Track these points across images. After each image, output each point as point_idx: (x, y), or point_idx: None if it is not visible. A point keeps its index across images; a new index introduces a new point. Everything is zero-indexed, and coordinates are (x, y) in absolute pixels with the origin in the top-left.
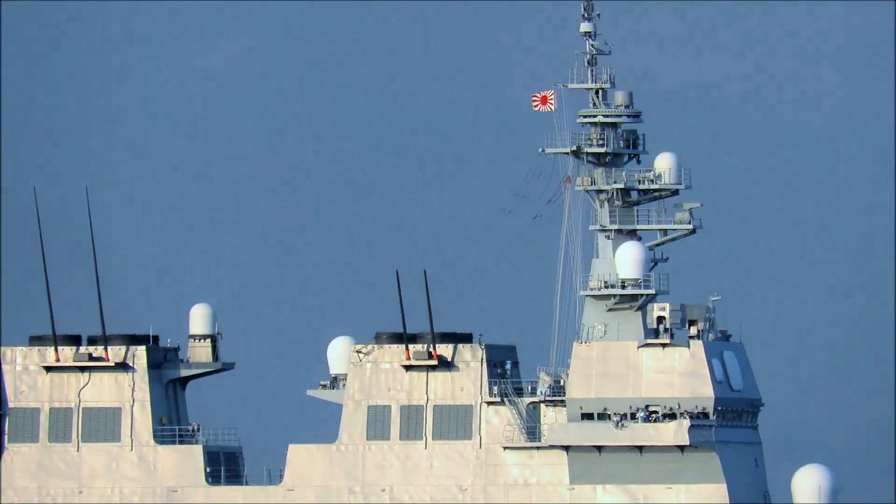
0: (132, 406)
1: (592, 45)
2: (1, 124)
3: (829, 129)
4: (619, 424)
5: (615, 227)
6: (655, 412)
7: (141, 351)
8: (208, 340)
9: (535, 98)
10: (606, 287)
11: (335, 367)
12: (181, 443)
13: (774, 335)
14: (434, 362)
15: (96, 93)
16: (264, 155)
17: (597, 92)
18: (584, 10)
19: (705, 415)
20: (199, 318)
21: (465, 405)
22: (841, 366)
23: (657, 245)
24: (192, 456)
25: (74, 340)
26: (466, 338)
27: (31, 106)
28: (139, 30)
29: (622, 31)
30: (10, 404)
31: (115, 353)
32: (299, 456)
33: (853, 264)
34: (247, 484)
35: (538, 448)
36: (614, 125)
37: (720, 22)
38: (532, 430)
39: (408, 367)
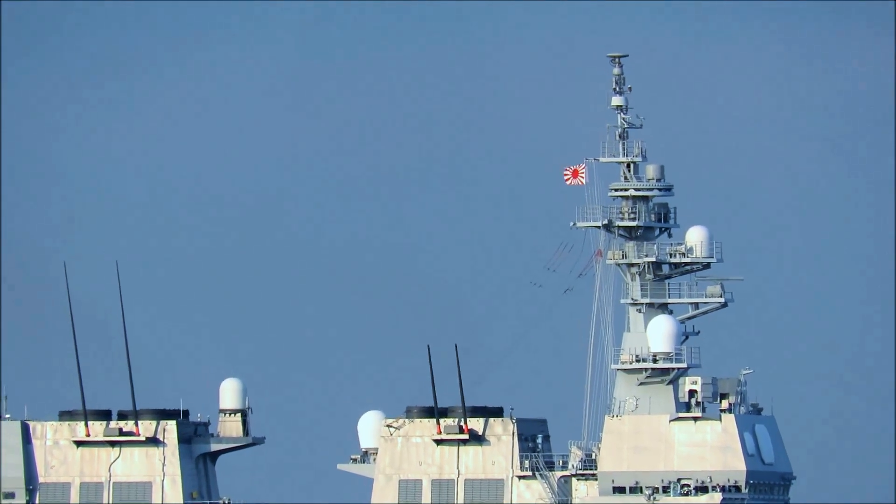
0: (163, 480)
1: (624, 119)
2: (29, 198)
3: (862, 203)
4: (652, 498)
5: (646, 300)
6: (687, 485)
7: (171, 425)
8: (238, 415)
9: (566, 171)
10: (638, 361)
11: (366, 442)
12: None
13: (806, 409)
14: (465, 436)
15: (120, 165)
16: (296, 228)
17: (628, 165)
18: (616, 83)
19: (737, 488)
20: (229, 393)
21: (496, 479)
22: (873, 441)
23: (688, 318)
24: None
25: (105, 415)
26: (497, 412)
27: (59, 180)
28: (159, 98)
29: (654, 104)
30: (41, 479)
31: (146, 427)
32: None
33: (886, 338)
34: None
35: None
36: (645, 198)
37: (750, 92)
38: None
39: (439, 442)
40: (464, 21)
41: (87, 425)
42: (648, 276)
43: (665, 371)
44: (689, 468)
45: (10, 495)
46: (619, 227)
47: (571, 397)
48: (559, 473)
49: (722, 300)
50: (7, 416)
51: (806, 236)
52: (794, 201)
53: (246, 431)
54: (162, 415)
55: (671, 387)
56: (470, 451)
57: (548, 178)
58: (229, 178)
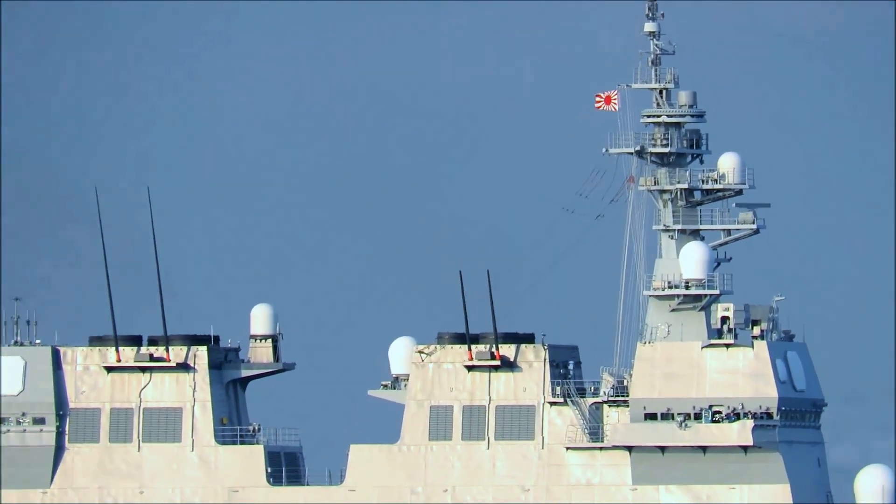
0: (193, 406)
1: (657, 45)
2: (61, 126)
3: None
4: (683, 425)
5: (678, 227)
6: (719, 412)
7: (202, 351)
8: (269, 341)
9: (598, 98)
10: (670, 287)
11: (396, 368)
12: (242, 443)
13: (838, 335)
14: (497, 363)
15: (158, 92)
16: (328, 156)
17: (661, 92)
18: (649, 9)
19: (769, 415)
20: (260, 319)
21: (527, 405)
22: None
23: (720, 245)
24: (254, 456)
25: (135, 341)
26: (529, 338)
27: (91, 107)
28: (200, 32)
29: (687, 30)
30: (71, 404)
31: (176, 353)
32: (361, 456)
33: None
34: (308, 484)
35: (601, 449)
36: (678, 125)
37: (783, 18)
38: (595, 431)
39: (470, 368)
40: None
41: (117, 351)
42: (680, 203)
43: (697, 297)
44: (720, 395)
45: (41, 421)
46: (651, 153)
47: (603, 324)
48: (590, 400)
49: (754, 227)
50: (37, 341)
51: (838, 162)
52: (826, 127)
53: (276, 357)
54: (192, 341)
55: (703, 313)
56: (501, 377)
57: (580, 104)
58: (261, 104)
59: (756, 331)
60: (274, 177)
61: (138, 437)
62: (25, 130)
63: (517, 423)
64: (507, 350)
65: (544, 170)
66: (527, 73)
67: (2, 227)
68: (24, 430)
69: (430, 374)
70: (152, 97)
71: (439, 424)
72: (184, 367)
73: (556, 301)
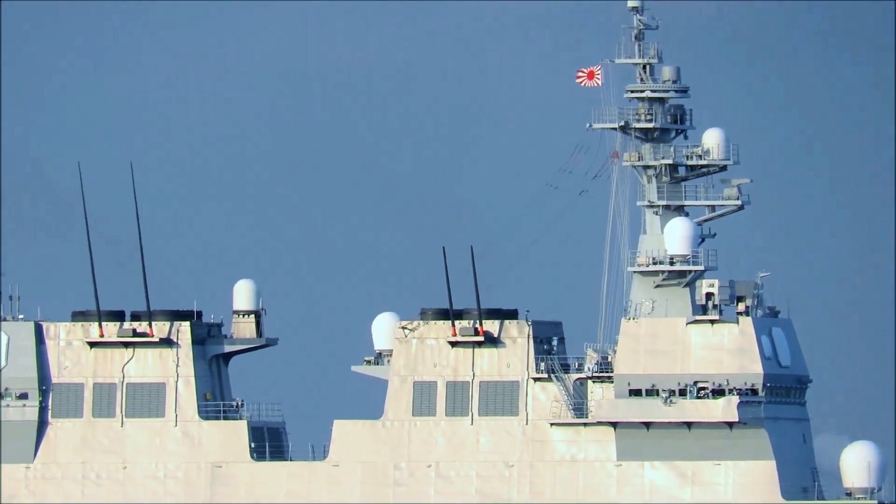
0: (176, 381)
1: (640, 20)
2: (43, 101)
3: (884, 103)
4: (668, 401)
5: (663, 202)
6: (704, 388)
7: (185, 326)
8: (252, 316)
9: (580, 73)
10: (654, 263)
11: (380, 343)
12: (225, 419)
13: (822, 311)
14: (480, 338)
15: (139, 68)
16: (309, 130)
17: (644, 67)
18: None
19: (754, 391)
20: (242, 294)
21: (511, 381)
22: (888, 343)
23: (705, 221)
24: (237, 431)
25: (118, 316)
26: (513, 314)
27: (71, 82)
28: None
29: (670, 5)
30: (54, 380)
31: (160, 328)
32: (345, 432)
33: None
34: (291, 460)
35: (585, 425)
36: (662, 100)
37: None
38: (579, 407)
39: (454, 344)
40: None
41: (100, 326)
42: (665, 179)
43: (682, 273)
44: (705, 371)
45: (24, 396)
46: (635, 128)
47: (587, 300)
48: (574, 376)
49: (738, 203)
50: (20, 316)
51: (823, 138)
52: (811, 103)
53: (259, 333)
54: (175, 316)
55: (688, 289)
56: (485, 353)
57: (564, 80)
58: (242, 78)
59: (741, 307)
60: (257, 152)
61: (121, 412)
62: (7, 106)
63: (501, 398)
64: (491, 326)
65: (528, 145)
66: (510, 48)
67: None
68: (7, 405)
69: (413, 349)
70: (133, 71)
71: (423, 400)
72: (167, 342)
73: (540, 277)
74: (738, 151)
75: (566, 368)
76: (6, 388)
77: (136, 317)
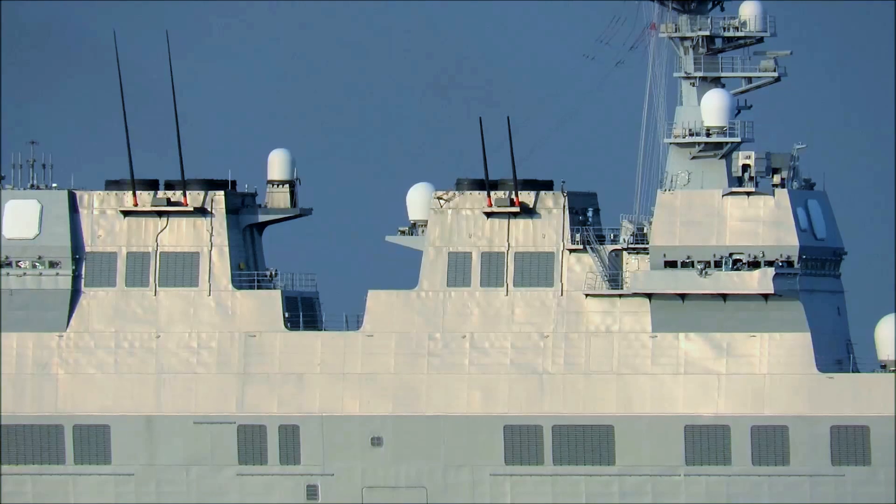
0: (210, 251)
1: None
2: None
3: None
4: (704, 272)
5: (700, 74)
6: (739, 260)
7: (219, 196)
8: (286, 186)
9: None
10: (691, 135)
11: (414, 214)
12: (259, 288)
13: (857, 184)
14: (516, 209)
15: None
16: (348, 1)
17: None
18: None
19: (789, 263)
20: (277, 164)
21: (546, 252)
22: None
23: (741, 93)
24: (271, 301)
25: (152, 185)
26: (548, 185)
27: None
28: None
29: None
30: (87, 249)
31: (194, 197)
32: (379, 302)
33: None
34: (325, 329)
35: (620, 296)
36: None
37: None
38: (614, 278)
39: (489, 214)
40: None
41: (134, 195)
42: (702, 50)
43: (718, 145)
44: (741, 243)
45: (56, 264)
46: (672, 0)
47: (622, 171)
48: (610, 247)
49: (775, 74)
50: (54, 185)
51: (861, 9)
52: None
53: (294, 203)
54: (210, 185)
55: (724, 161)
56: (520, 223)
57: None
58: None
59: (777, 179)
60: (292, 22)
61: (155, 281)
62: None
63: (536, 269)
64: (527, 197)
65: (565, 16)
66: None
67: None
68: (41, 274)
69: (448, 220)
70: None
71: (458, 271)
72: (201, 211)
73: (576, 148)
74: (776, 24)
75: (601, 239)
76: (39, 257)
77: (169, 186)
